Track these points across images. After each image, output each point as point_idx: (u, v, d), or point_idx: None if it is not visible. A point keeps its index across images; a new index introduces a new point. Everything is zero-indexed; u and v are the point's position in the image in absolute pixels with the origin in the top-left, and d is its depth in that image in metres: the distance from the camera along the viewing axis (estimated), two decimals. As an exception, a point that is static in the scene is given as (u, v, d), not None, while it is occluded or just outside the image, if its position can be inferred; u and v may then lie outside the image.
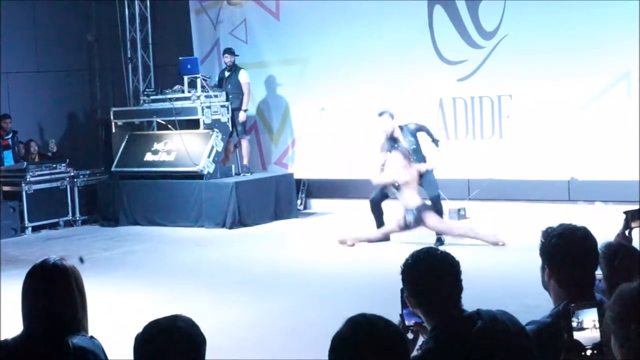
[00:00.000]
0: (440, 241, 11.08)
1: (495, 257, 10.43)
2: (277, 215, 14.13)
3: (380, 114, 11.57)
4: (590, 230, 3.54)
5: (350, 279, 9.72)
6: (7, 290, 7.53)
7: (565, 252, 3.44)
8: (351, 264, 10.58)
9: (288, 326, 7.93)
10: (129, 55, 16.21)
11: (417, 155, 11.42)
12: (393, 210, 11.51)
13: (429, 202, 11.33)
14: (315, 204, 15.30)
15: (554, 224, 3.52)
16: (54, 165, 14.85)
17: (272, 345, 7.32)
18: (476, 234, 11.24)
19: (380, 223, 11.68)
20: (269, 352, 7.13)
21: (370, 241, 11.45)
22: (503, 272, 9.52)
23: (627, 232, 4.88)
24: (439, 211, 11.47)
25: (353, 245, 11.44)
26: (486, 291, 7.59)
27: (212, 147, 14.09)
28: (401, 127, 11.53)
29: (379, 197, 11.68)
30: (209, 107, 14.21)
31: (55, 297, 3.43)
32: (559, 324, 3.21)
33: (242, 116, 14.54)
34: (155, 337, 2.89)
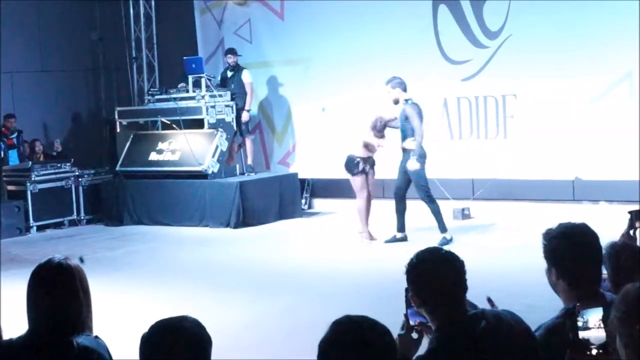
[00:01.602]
0: (445, 239, 11.07)
1: (499, 256, 10.41)
2: (281, 215, 14.11)
3: (386, 83, 11.48)
4: (590, 226, 3.52)
5: (354, 278, 9.70)
6: (12, 289, 7.49)
7: (569, 250, 3.41)
8: (355, 263, 10.55)
9: (291, 326, 7.92)
10: (133, 55, 16.22)
11: (402, 133, 11.34)
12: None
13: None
14: (320, 203, 15.27)
15: (554, 224, 3.49)
16: (59, 165, 14.84)
17: (275, 345, 7.31)
18: (360, 222, 11.55)
19: (402, 222, 11.56)
20: (272, 351, 7.12)
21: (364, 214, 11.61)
22: (507, 272, 9.48)
23: (631, 232, 4.85)
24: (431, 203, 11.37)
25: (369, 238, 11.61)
26: (490, 291, 7.34)
27: (217, 147, 14.08)
28: (406, 100, 11.35)
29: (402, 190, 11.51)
30: (213, 107, 14.23)
31: (59, 296, 3.43)
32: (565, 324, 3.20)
33: (244, 116, 14.53)
34: (162, 337, 2.88)
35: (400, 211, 11.49)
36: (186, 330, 2.89)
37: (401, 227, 11.52)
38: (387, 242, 11.48)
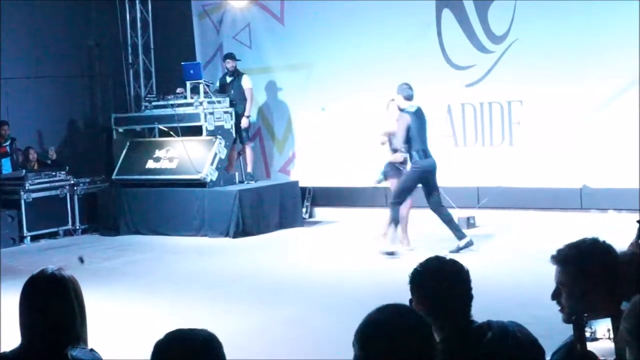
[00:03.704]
0: (389, 252, 10.97)
1: (505, 266, 10.31)
2: (282, 224, 14.00)
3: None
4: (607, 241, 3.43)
5: (356, 288, 9.61)
6: (5, 301, 7.40)
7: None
8: (357, 273, 10.47)
9: (292, 336, 7.86)
10: (130, 60, 16.11)
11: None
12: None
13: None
14: (321, 212, 15.17)
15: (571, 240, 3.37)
16: (54, 173, 14.74)
17: (277, 355, 7.23)
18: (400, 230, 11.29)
19: (456, 229, 11.23)
20: (274, 361, 7.09)
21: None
22: (513, 282, 9.41)
23: (640, 241, 4.77)
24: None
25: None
26: (496, 301, 7.52)
27: (215, 154, 13.97)
28: (402, 109, 11.16)
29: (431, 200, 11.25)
30: (211, 114, 14.14)
31: (53, 308, 3.40)
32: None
33: (244, 122, 14.43)
34: (176, 344, 2.79)
35: (446, 221, 11.16)
36: (199, 338, 2.80)
37: (459, 235, 11.12)
38: (451, 252, 10.78)
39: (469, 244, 11.01)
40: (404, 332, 2.55)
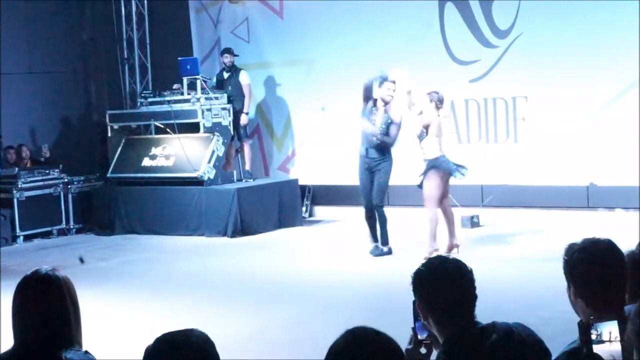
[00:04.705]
0: (381, 250, 10.99)
1: (510, 266, 10.21)
2: (281, 223, 13.91)
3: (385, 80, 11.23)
4: (615, 242, 3.35)
5: (358, 289, 9.58)
6: None
7: (590, 268, 3.24)
8: (358, 274, 10.40)
9: (293, 337, 7.80)
10: (125, 56, 16.01)
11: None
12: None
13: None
14: (321, 211, 15.09)
15: (577, 239, 3.32)
16: (47, 171, 14.63)
17: (277, 357, 7.18)
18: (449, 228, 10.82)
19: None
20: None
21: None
22: (519, 283, 9.31)
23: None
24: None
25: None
26: (501, 303, 7.44)
27: (213, 152, 13.85)
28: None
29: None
30: (209, 110, 14.00)
31: (47, 309, 3.38)
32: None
33: (243, 119, 14.35)
34: (167, 352, 2.72)
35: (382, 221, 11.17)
36: (193, 346, 2.72)
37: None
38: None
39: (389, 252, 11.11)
40: (370, 356, 2.57)
